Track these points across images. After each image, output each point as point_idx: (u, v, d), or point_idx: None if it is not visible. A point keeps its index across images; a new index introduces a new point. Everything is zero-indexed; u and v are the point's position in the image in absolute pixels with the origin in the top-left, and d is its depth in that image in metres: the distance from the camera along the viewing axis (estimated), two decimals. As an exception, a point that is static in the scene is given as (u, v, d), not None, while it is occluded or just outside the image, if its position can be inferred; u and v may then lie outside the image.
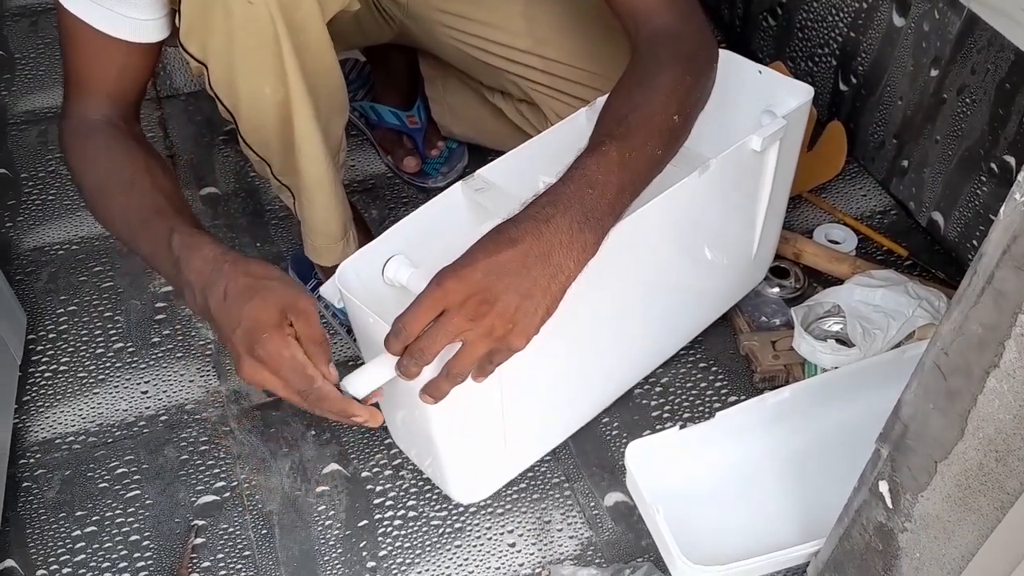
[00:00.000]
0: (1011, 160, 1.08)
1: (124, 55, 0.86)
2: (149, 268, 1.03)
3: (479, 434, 0.92)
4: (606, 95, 0.86)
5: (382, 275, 0.88)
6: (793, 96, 0.99)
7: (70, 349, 1.17)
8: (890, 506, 0.67)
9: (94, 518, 1.00)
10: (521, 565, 0.96)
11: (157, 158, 0.88)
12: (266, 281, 0.74)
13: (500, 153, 0.97)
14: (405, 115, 1.37)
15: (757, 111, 1.02)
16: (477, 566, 0.96)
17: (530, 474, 1.03)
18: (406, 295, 0.86)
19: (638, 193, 0.79)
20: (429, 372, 0.76)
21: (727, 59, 1.01)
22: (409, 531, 0.99)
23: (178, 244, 0.77)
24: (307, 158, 0.95)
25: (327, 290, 0.86)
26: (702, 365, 1.13)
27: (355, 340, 1.15)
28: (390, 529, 0.99)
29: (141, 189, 0.83)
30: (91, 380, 1.13)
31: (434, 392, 0.77)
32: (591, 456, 1.05)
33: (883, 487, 0.67)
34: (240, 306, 0.72)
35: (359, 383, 0.77)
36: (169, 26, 0.87)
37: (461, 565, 0.96)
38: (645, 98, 0.81)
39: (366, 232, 1.19)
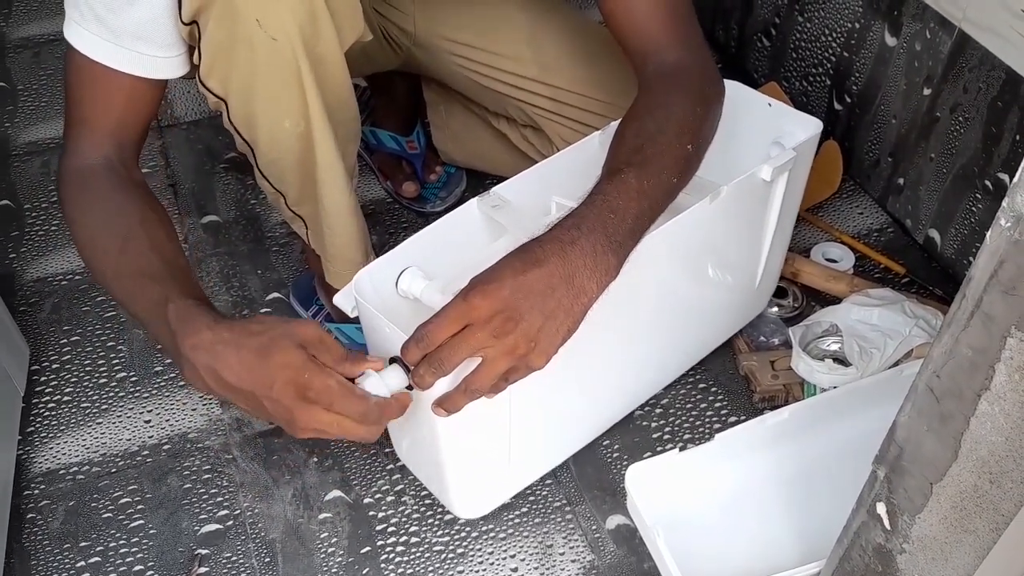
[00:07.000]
0: (1005, 177, 1.09)
1: (133, 89, 0.85)
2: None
3: (485, 449, 0.92)
4: (617, 121, 0.87)
5: (396, 287, 0.89)
6: (802, 129, 1.01)
7: (73, 379, 1.17)
8: (888, 528, 0.67)
9: (98, 548, 1.01)
10: (524, 590, 0.96)
11: (154, 207, 0.85)
12: (274, 331, 0.72)
13: (500, 179, 0.98)
14: (405, 140, 1.38)
15: (766, 143, 1.04)
16: (480, 591, 0.96)
17: (532, 498, 1.03)
18: (419, 307, 0.87)
19: (655, 219, 0.81)
20: (442, 386, 0.77)
21: (737, 91, 1.02)
22: (412, 557, 0.99)
23: (173, 316, 0.74)
24: (328, 187, 0.95)
25: (340, 299, 0.87)
26: (702, 386, 1.13)
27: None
28: (393, 555, 0.99)
29: (136, 247, 0.80)
30: (94, 410, 1.14)
31: (449, 406, 0.78)
32: (592, 479, 1.05)
33: (880, 508, 0.67)
34: (266, 364, 0.70)
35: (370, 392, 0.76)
36: (186, 63, 0.86)
37: (464, 590, 0.96)
38: (659, 128, 0.82)
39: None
